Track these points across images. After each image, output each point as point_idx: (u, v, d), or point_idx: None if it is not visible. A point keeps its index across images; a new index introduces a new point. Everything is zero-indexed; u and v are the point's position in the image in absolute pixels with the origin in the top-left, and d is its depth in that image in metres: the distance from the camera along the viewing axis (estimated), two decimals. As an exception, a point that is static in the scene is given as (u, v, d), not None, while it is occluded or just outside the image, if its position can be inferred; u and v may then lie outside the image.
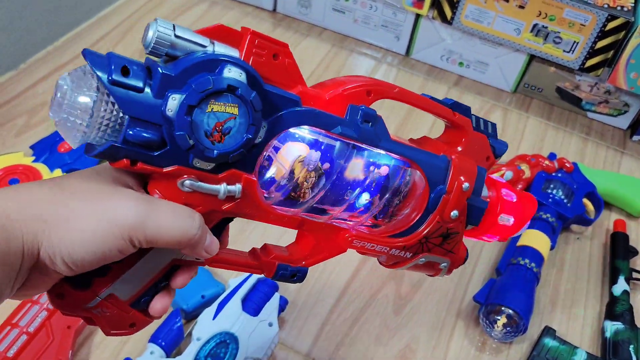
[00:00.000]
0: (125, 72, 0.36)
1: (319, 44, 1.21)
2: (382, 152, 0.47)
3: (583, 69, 1.05)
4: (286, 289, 0.79)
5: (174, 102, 0.37)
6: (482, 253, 0.88)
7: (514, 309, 0.74)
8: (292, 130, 0.43)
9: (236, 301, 0.71)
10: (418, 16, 1.14)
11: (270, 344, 0.70)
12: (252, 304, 0.72)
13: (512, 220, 0.55)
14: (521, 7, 1.02)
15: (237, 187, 0.41)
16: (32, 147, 0.89)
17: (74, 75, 0.36)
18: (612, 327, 0.78)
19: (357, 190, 0.48)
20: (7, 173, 0.83)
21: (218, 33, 0.40)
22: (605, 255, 0.91)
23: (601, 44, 1.01)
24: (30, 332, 0.67)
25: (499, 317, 0.75)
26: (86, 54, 0.36)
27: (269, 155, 0.44)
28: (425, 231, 0.50)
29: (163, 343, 0.68)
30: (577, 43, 1.02)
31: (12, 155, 0.86)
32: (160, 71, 0.36)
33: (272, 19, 1.25)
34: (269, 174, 0.44)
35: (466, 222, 0.52)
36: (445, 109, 0.50)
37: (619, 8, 0.98)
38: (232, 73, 0.38)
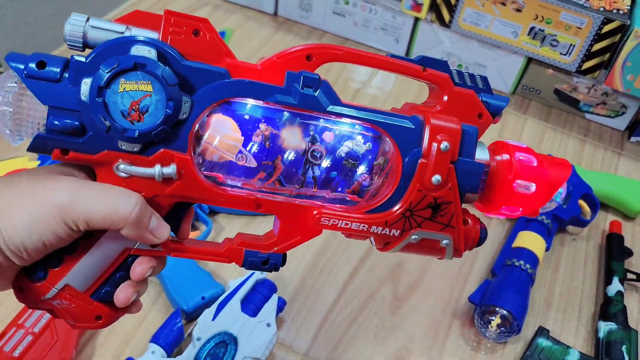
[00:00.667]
0: (41, 65, 0.38)
1: (320, 47, 1.22)
2: (334, 117, 0.44)
3: (580, 72, 1.06)
4: (284, 289, 0.80)
5: (86, 86, 0.39)
6: (479, 254, 0.89)
7: (508, 309, 0.76)
8: (234, 106, 0.43)
9: (235, 302, 0.73)
10: (417, 19, 1.15)
11: (269, 344, 0.71)
12: (251, 305, 0.74)
13: (533, 186, 0.47)
14: (518, 10, 1.03)
15: (171, 168, 0.41)
16: (37, 151, 0.91)
17: (1, 77, 0.39)
18: (605, 327, 0.79)
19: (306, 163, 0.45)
20: (13, 177, 0.85)
21: (137, 19, 0.41)
22: (600, 256, 0.92)
23: (597, 46, 1.02)
24: (35, 332, 0.69)
25: (493, 318, 0.77)
26: (8, 56, 0.38)
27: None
28: (406, 203, 0.45)
29: (164, 343, 0.69)
30: (574, 46, 1.03)
31: (17, 159, 0.88)
32: (73, 59, 0.39)
33: (274, 23, 1.26)
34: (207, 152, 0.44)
35: (461, 189, 0.46)
36: (410, 66, 0.46)
37: (614, 11, 0.99)
38: (140, 51, 0.39)
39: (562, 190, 0.49)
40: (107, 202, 0.39)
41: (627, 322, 0.80)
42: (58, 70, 0.39)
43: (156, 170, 0.41)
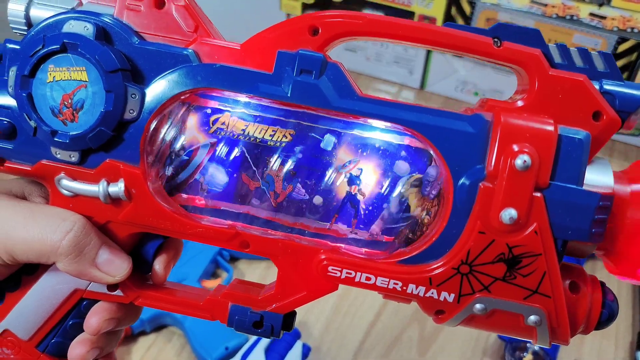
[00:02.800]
0: None
1: (334, 84, 1.22)
2: (347, 117, 0.32)
3: (599, 92, 1.05)
4: (309, 334, 0.79)
5: (12, 75, 0.31)
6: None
7: (540, 345, 0.73)
8: (212, 103, 0.33)
9: (259, 351, 0.72)
10: (429, 50, 1.15)
11: (294, 393, 0.70)
12: (275, 354, 0.73)
13: None
14: (530, 35, 1.02)
15: (118, 186, 0.32)
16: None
17: None
18: (644, 358, 0.76)
19: (299, 186, 0.33)
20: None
21: None
22: (635, 282, 0.89)
23: (615, 66, 1.00)
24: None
25: (525, 354, 0.74)
26: None
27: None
28: (461, 251, 0.31)
29: (189, 398, 0.69)
30: (590, 67, 1.02)
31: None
32: (6, 44, 0.32)
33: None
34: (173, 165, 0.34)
35: (559, 234, 0.31)
36: (474, 39, 0.31)
37: (629, 30, 0.97)
38: (74, 27, 0.30)
39: None
40: (33, 228, 0.31)
41: (667, 352, 0.77)
42: None
43: (100, 187, 0.32)
